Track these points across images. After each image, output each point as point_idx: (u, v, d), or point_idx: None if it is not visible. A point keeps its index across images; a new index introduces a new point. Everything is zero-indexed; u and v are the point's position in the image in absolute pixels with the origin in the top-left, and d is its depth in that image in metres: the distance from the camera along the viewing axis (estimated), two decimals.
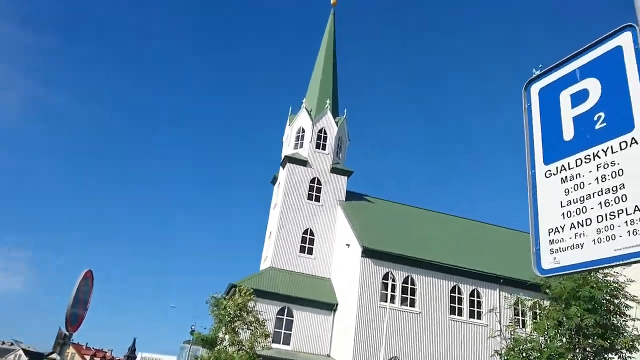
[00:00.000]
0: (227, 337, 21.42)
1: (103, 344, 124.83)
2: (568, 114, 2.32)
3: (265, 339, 21.85)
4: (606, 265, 2.02)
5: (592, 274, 11.24)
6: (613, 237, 1.96)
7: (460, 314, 29.81)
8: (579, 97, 2.29)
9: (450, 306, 29.76)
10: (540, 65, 2.56)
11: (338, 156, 39.26)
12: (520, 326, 18.40)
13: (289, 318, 30.31)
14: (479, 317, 29.92)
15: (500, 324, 18.51)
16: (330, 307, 31.31)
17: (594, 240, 2.03)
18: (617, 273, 11.66)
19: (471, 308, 30.13)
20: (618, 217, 1.97)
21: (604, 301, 11.16)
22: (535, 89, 2.55)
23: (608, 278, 11.63)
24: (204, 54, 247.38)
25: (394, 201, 40.28)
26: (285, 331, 30.02)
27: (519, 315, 27.34)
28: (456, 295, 30.20)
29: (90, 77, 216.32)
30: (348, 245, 31.38)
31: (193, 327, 34.87)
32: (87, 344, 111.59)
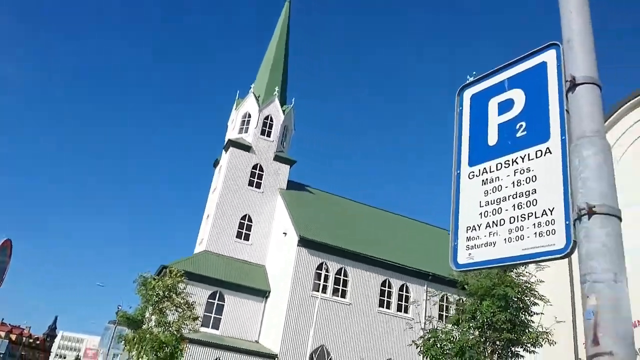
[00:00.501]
0: (153, 317, 20.97)
1: (21, 321, 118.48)
2: (494, 120, 2.46)
3: (194, 321, 21.59)
4: (515, 262, 2.18)
5: (507, 274, 12.00)
6: (522, 238, 2.12)
7: (388, 307, 30.72)
8: (505, 106, 2.44)
9: (380, 299, 30.61)
10: (474, 73, 2.70)
11: (282, 145, 39.13)
12: (443, 320, 19.28)
13: (220, 302, 30.08)
14: (406, 311, 30.97)
15: (425, 317, 19.29)
16: (262, 293, 31.34)
17: (505, 239, 2.19)
18: (530, 274, 12.49)
19: (399, 302, 31.15)
20: (528, 219, 2.13)
21: (516, 299, 11.98)
22: (467, 94, 2.68)
23: (521, 278, 12.44)
24: (204, 54, 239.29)
25: (334, 194, 40.75)
26: (216, 315, 29.78)
27: (443, 311, 28.58)
28: (386, 289, 31.08)
29: (90, 76, 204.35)
30: (285, 233, 31.47)
31: (120, 307, 33.81)
32: (2, 319, 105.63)
